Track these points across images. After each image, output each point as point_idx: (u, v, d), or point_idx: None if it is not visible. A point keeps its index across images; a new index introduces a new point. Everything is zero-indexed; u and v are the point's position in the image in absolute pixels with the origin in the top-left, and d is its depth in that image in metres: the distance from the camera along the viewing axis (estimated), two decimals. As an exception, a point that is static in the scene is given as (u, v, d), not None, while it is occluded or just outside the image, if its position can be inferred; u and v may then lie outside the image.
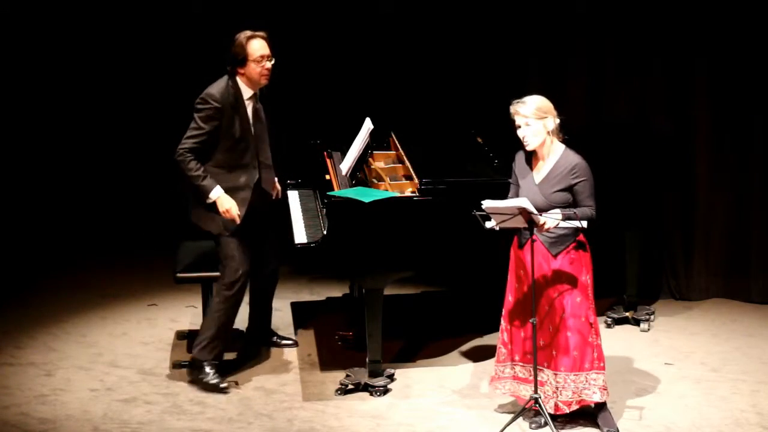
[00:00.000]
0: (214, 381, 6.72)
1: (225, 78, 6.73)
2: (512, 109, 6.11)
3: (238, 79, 6.75)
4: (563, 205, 6.06)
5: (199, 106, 6.68)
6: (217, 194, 6.68)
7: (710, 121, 8.03)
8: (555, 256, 6.13)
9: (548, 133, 6.08)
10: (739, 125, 7.99)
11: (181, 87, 9.06)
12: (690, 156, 8.07)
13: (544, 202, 6.05)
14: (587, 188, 6.10)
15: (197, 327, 7.11)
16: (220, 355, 6.81)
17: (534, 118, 6.06)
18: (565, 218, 5.97)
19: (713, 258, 8.21)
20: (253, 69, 6.71)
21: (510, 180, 6.30)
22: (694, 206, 8.14)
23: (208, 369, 6.75)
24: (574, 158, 6.11)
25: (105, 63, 9.07)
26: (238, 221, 6.70)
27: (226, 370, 6.91)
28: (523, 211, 5.90)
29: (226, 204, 6.68)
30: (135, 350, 7.37)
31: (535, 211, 5.93)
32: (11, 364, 7.19)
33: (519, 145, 6.21)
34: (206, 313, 6.91)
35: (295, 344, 7.36)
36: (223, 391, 6.69)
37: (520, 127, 6.10)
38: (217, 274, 6.90)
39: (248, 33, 6.74)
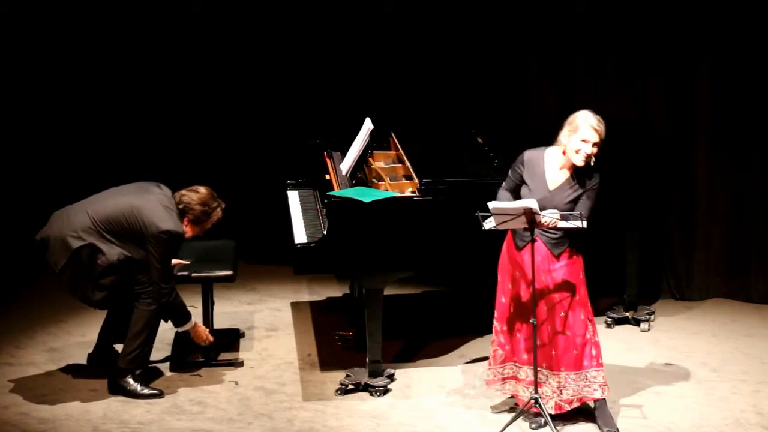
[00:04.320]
0: (142, 391, 6.73)
1: (175, 214, 6.64)
2: (592, 125, 5.97)
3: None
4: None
5: (173, 245, 6.61)
6: (193, 321, 6.86)
7: (710, 121, 8.03)
8: (557, 256, 6.12)
9: None
10: (739, 125, 7.99)
11: (179, 87, 9.09)
12: (690, 156, 8.07)
13: (553, 210, 6.01)
14: (591, 200, 6.06)
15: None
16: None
17: (603, 140, 5.98)
18: (564, 218, 5.96)
19: (713, 258, 8.21)
20: (195, 231, 6.76)
21: (510, 173, 6.23)
22: (694, 206, 8.14)
23: (131, 379, 6.74)
24: (593, 171, 6.06)
25: (105, 63, 9.06)
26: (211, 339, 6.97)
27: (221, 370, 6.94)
28: (527, 212, 5.89)
29: (203, 332, 6.91)
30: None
31: (540, 212, 5.92)
32: (11, 364, 7.19)
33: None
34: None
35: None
36: (153, 396, 6.71)
37: (586, 142, 5.98)
38: (218, 274, 7.01)
39: (219, 206, 6.75)
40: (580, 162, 6.01)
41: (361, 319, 6.93)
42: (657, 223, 8.04)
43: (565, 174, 6.10)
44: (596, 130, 5.98)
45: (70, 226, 6.63)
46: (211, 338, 6.96)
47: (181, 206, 6.67)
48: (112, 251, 6.58)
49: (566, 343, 6.12)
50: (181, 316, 6.80)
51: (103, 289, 6.64)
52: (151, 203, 6.61)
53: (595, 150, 6.00)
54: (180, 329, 6.87)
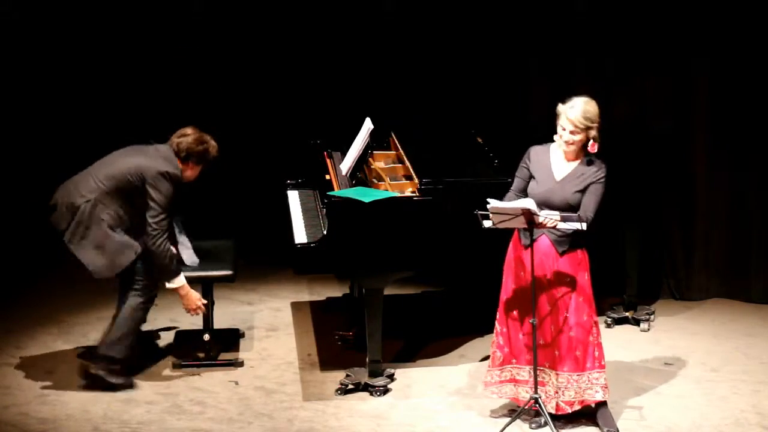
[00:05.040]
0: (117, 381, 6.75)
1: (173, 157, 6.77)
2: (567, 114, 6.03)
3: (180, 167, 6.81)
4: (576, 208, 6.04)
5: (172, 185, 6.68)
6: (184, 280, 6.84)
7: (710, 121, 8.03)
8: (562, 254, 6.12)
9: (588, 139, 6.06)
10: (738, 125, 7.99)
11: (180, 87, 9.09)
12: (690, 156, 8.07)
13: (561, 200, 6.03)
14: (597, 192, 6.07)
15: (199, 327, 7.12)
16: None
17: (580, 128, 6.02)
18: (564, 219, 5.96)
19: (713, 258, 8.21)
20: (199, 168, 6.86)
21: (517, 174, 6.24)
22: (694, 206, 8.14)
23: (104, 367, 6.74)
24: (599, 161, 6.09)
25: (105, 64, 9.07)
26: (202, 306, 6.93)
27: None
28: (526, 212, 5.89)
29: (194, 298, 6.88)
30: (135, 350, 7.37)
31: (539, 213, 5.92)
32: (11, 364, 7.19)
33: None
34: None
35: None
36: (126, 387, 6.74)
37: (564, 129, 6.04)
38: (218, 274, 7.01)
39: (210, 137, 6.90)
40: (563, 146, 6.07)
41: (361, 319, 6.93)
42: (657, 223, 8.04)
43: (572, 165, 6.11)
44: (569, 119, 6.03)
45: (76, 189, 6.74)
46: (203, 308, 6.92)
47: (183, 154, 6.77)
48: (115, 204, 6.66)
49: (569, 344, 6.12)
50: (168, 268, 6.76)
51: (105, 252, 6.65)
52: (150, 158, 6.74)
53: (576, 138, 6.02)
54: (168, 285, 6.81)
